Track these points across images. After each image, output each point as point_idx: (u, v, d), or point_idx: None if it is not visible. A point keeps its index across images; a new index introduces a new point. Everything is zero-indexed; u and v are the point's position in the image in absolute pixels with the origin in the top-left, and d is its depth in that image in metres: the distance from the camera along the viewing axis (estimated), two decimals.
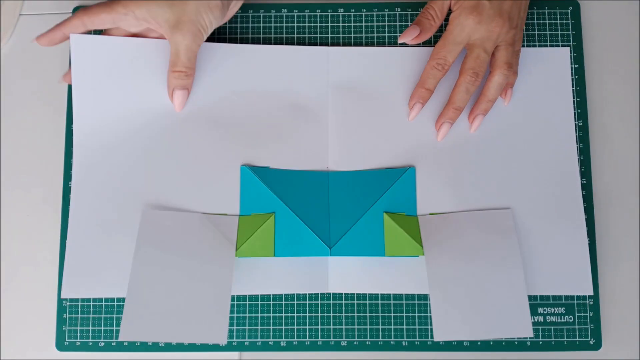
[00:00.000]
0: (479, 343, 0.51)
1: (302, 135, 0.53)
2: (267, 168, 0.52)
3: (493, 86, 0.51)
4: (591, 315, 0.51)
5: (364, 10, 0.56)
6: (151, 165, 0.52)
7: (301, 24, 0.56)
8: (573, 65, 0.55)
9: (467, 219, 0.51)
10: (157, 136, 0.53)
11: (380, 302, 0.52)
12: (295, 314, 0.51)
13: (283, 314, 0.51)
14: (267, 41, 0.56)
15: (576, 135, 0.54)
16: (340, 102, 0.54)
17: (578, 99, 0.54)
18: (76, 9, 0.56)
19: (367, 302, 0.52)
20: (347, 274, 0.51)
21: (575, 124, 0.54)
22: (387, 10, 0.56)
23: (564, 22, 0.56)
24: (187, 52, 0.49)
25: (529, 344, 0.51)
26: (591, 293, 0.50)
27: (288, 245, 0.50)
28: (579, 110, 0.54)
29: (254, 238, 0.50)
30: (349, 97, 0.54)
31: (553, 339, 0.51)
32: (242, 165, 0.52)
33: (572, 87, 0.54)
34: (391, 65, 0.54)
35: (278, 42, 0.56)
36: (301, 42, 0.56)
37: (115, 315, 0.51)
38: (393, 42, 0.55)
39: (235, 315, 0.51)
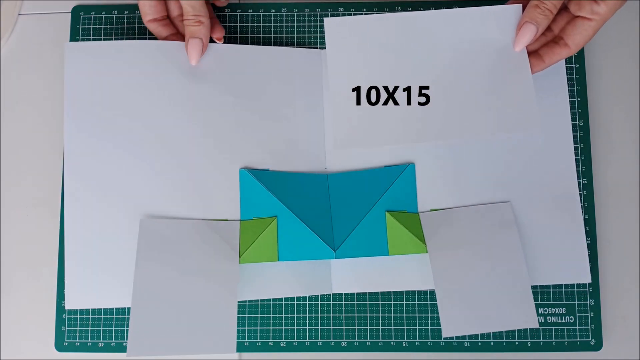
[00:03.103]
0: (479, 343, 0.51)
1: (299, 137, 0.53)
2: (266, 171, 0.52)
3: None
4: (592, 315, 0.51)
5: (364, 9, 0.56)
6: (147, 171, 0.51)
7: (301, 24, 0.56)
8: (574, 65, 0.54)
9: (468, 213, 0.51)
10: (152, 140, 0.51)
11: (380, 302, 0.51)
12: (295, 315, 0.51)
13: (283, 315, 0.51)
14: (266, 41, 0.55)
15: (577, 135, 0.53)
16: None
17: (579, 99, 0.54)
18: (75, 9, 0.56)
19: (367, 302, 0.51)
20: (350, 274, 0.51)
21: (576, 123, 0.54)
22: (387, 9, 0.56)
23: None
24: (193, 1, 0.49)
25: (529, 345, 0.51)
26: (589, 281, 0.50)
27: (292, 250, 0.50)
28: (580, 110, 0.54)
29: (258, 243, 0.49)
30: None
31: (554, 340, 0.51)
32: (241, 169, 0.52)
33: (573, 86, 0.54)
34: None
35: (277, 42, 0.55)
36: (301, 42, 0.55)
37: (114, 316, 0.51)
38: None
39: None
